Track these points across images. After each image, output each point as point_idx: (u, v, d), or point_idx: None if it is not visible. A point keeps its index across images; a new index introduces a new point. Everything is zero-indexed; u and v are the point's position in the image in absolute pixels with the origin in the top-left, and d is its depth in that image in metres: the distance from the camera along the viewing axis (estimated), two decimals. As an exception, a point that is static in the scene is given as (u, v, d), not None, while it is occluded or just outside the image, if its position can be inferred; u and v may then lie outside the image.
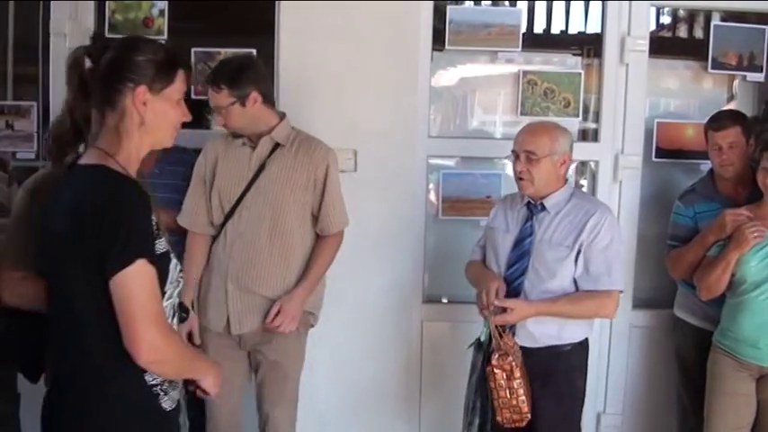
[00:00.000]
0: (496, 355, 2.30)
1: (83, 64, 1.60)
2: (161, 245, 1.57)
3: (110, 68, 1.56)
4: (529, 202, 2.46)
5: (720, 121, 2.84)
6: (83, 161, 1.57)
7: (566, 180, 2.46)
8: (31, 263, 1.74)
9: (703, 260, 2.65)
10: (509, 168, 3.26)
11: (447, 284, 3.25)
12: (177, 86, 1.62)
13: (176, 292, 1.65)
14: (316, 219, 2.60)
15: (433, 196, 3.22)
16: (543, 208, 2.42)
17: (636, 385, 3.24)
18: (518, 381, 2.29)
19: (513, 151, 2.42)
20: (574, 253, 2.35)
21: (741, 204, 2.67)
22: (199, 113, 3.30)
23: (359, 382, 3.06)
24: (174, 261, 1.62)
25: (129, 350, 1.47)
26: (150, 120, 1.58)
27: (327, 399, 3.08)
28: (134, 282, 1.45)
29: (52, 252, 1.55)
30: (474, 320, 2.92)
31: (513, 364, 2.28)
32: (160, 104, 1.59)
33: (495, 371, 2.30)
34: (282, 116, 2.60)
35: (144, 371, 1.53)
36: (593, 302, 2.37)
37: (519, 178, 2.41)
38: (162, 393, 1.59)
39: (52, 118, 2.86)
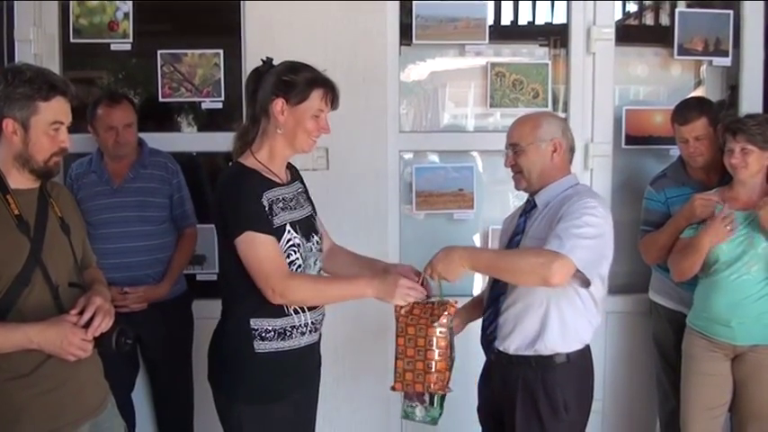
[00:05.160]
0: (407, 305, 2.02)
1: (257, 80, 1.99)
2: (278, 220, 1.95)
3: (266, 84, 1.96)
4: (528, 200, 2.26)
5: (685, 114, 2.78)
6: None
7: (566, 171, 2.21)
8: None
9: (677, 243, 2.67)
10: (480, 162, 3.30)
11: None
12: (312, 103, 1.95)
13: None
14: None
15: (406, 191, 3.22)
16: (535, 204, 2.20)
17: (615, 370, 3.26)
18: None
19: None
20: None
21: (712, 188, 2.69)
22: (168, 116, 3.30)
23: (338, 376, 3.06)
24: (291, 233, 1.98)
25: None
26: (286, 127, 1.95)
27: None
28: (247, 247, 1.88)
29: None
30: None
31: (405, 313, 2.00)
32: (295, 115, 1.94)
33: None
34: None
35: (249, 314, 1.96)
36: (536, 258, 1.95)
37: (513, 175, 2.23)
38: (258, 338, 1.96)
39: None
